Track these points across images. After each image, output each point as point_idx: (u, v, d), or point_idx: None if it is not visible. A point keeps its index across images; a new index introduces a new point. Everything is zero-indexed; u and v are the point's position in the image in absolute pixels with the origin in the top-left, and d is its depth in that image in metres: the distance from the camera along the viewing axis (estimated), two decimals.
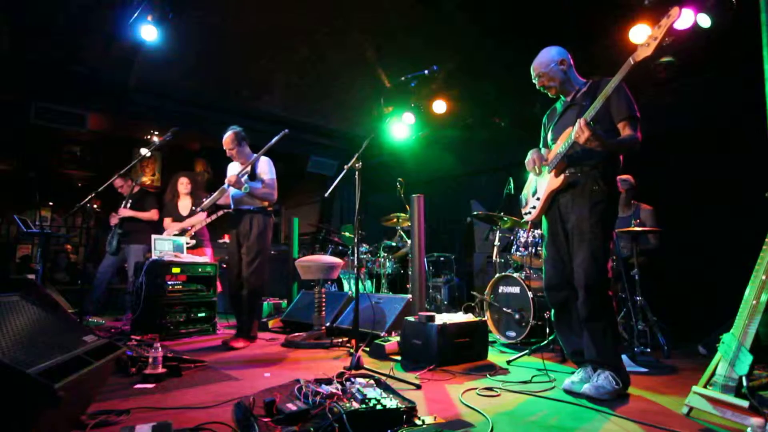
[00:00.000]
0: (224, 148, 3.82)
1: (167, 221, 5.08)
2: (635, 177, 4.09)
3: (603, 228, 2.32)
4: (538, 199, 2.59)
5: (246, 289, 3.70)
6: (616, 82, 2.18)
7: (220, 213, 4.78)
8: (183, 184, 5.14)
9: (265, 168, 3.84)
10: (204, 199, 5.17)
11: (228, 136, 3.80)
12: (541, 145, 2.77)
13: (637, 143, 2.30)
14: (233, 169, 3.90)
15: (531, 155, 2.62)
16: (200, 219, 5.00)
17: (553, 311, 2.58)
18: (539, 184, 2.61)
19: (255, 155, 3.78)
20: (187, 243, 4.88)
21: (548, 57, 2.51)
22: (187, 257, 4.48)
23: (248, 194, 3.68)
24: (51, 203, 9.85)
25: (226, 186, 3.71)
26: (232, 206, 3.90)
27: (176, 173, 5.29)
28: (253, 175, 3.78)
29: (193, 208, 5.07)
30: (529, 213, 2.66)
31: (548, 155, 2.55)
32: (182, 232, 4.93)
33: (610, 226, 2.37)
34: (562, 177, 2.44)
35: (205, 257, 4.83)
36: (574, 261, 2.38)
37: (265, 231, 3.77)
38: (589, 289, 2.29)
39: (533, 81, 2.60)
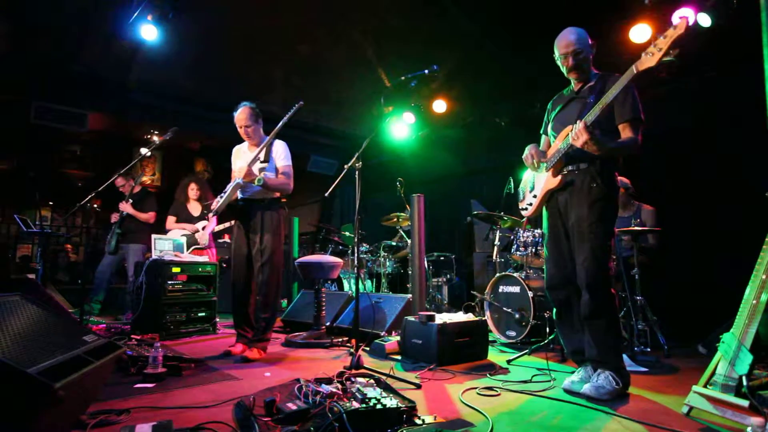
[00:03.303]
0: (237, 125, 3.36)
1: (171, 220, 5.15)
2: (635, 177, 4.09)
3: (603, 226, 2.31)
4: (534, 196, 2.59)
5: (261, 293, 3.23)
6: (617, 89, 2.11)
7: (228, 225, 4.80)
8: (193, 190, 5.27)
9: (282, 152, 3.35)
10: (211, 202, 5.22)
11: (242, 112, 3.32)
12: (541, 131, 2.76)
13: (636, 147, 2.28)
14: (240, 154, 3.48)
15: (528, 150, 2.61)
16: (210, 224, 5.07)
17: (554, 310, 2.58)
18: (537, 181, 2.61)
19: (267, 137, 3.29)
20: (197, 245, 4.94)
21: (585, 35, 2.41)
22: (187, 257, 4.48)
23: (263, 186, 3.21)
24: (51, 203, 9.84)
25: (239, 180, 3.16)
26: (240, 196, 3.38)
27: (186, 177, 5.41)
28: (266, 161, 3.27)
29: (204, 211, 5.13)
30: (526, 209, 2.66)
31: (547, 151, 2.55)
32: (193, 237, 5.02)
33: (610, 224, 2.36)
34: (559, 177, 2.44)
35: (205, 257, 4.84)
36: (576, 260, 2.38)
37: (279, 227, 3.32)
38: (592, 288, 2.29)
39: (559, 55, 2.43)
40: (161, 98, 6.21)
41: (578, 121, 2.19)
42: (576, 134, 2.18)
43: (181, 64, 5.41)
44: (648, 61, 2.05)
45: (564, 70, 2.46)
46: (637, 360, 3.05)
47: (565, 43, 2.40)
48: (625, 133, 2.31)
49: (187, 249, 5.00)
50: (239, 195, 3.39)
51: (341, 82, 6.09)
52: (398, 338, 3.37)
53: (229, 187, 3.28)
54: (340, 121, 7.28)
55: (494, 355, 3.35)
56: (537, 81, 5.13)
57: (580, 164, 2.38)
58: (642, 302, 3.45)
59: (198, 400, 2.15)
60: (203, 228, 5.12)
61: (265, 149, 3.20)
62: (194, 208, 5.24)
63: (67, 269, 9.19)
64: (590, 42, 2.43)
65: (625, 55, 3.99)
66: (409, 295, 4.02)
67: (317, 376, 2.18)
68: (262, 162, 3.21)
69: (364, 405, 1.68)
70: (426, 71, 3.66)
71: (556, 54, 2.46)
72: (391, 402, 1.73)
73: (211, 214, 3.50)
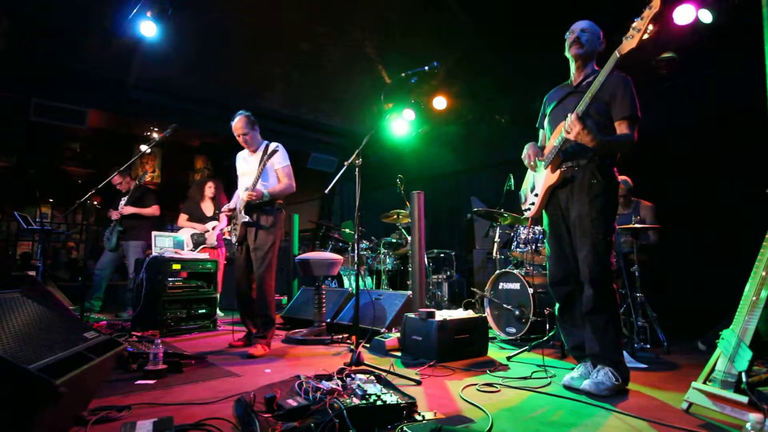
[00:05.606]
0: (236, 134, 3.50)
1: (182, 218, 5.23)
2: (635, 173, 4.09)
3: (604, 221, 2.32)
4: (536, 195, 2.59)
5: (257, 290, 3.37)
6: (603, 76, 2.20)
7: None
8: (210, 188, 5.33)
9: (277, 157, 3.48)
10: (223, 203, 5.28)
11: (239, 121, 3.47)
12: (537, 125, 2.77)
13: (630, 144, 2.29)
14: (242, 161, 3.61)
15: (527, 150, 2.62)
16: (220, 224, 5.13)
17: (557, 306, 2.59)
18: (537, 180, 2.62)
19: (264, 142, 3.52)
20: (205, 245, 5.00)
21: (598, 29, 2.48)
22: (187, 254, 4.49)
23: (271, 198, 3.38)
24: (51, 200, 9.86)
25: (243, 215, 3.38)
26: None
27: (206, 178, 5.46)
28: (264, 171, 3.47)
29: (217, 211, 5.24)
30: (529, 209, 2.67)
31: (545, 149, 2.55)
32: (203, 236, 5.09)
33: (611, 219, 2.37)
34: (558, 172, 2.45)
35: (209, 256, 4.85)
36: (577, 255, 2.39)
37: (273, 225, 3.40)
38: (594, 283, 2.30)
39: (569, 35, 2.47)
40: (161, 95, 6.21)
41: (569, 114, 2.21)
42: (569, 126, 2.21)
43: (180, 61, 5.40)
44: (629, 43, 2.13)
45: (566, 45, 2.50)
46: (636, 356, 3.05)
47: (577, 25, 2.49)
48: (621, 129, 2.32)
49: (197, 248, 5.05)
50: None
51: (341, 79, 6.08)
52: (398, 335, 3.38)
53: (240, 207, 3.45)
54: (340, 118, 7.27)
55: (494, 352, 3.36)
56: (537, 78, 5.12)
57: (580, 160, 2.39)
58: (642, 299, 3.45)
59: (198, 396, 2.16)
60: (213, 228, 5.16)
61: (261, 166, 3.38)
62: (207, 208, 5.28)
63: (68, 266, 9.20)
64: (601, 37, 2.48)
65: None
66: (409, 292, 4.03)
67: (317, 372, 2.19)
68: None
69: (364, 401, 1.69)
70: (426, 68, 3.64)
71: (567, 36, 2.51)
72: (391, 398, 1.74)
73: (223, 215, 3.55)
